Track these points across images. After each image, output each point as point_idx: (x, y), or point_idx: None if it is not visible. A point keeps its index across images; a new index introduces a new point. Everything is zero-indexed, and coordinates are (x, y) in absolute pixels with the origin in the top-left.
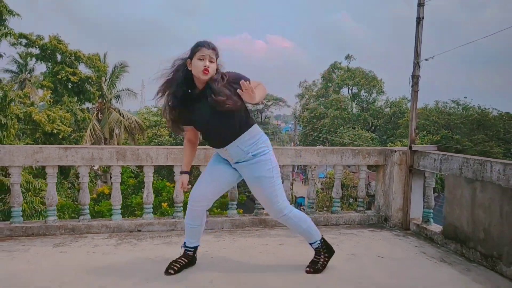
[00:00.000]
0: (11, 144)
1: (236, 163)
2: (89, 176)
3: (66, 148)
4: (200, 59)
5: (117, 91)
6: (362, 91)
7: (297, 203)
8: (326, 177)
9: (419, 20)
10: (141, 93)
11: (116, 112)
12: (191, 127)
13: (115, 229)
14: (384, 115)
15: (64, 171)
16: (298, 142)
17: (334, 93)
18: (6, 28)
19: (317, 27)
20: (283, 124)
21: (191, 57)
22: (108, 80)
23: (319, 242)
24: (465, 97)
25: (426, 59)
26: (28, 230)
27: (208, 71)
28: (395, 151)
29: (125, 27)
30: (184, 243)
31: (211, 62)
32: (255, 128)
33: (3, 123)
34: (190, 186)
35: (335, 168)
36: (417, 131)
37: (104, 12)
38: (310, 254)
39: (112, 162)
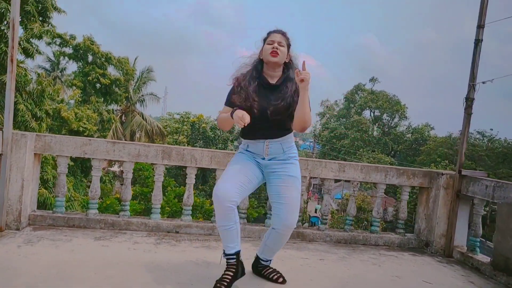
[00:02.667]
0: None
1: (269, 159)
2: (108, 176)
3: (114, 143)
4: (269, 44)
5: (141, 95)
6: (385, 115)
7: (311, 222)
8: (343, 198)
9: (478, 42)
10: (163, 99)
11: (140, 115)
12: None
13: (153, 228)
14: (405, 141)
15: (84, 169)
16: None
17: (356, 115)
18: (50, 26)
19: (342, 47)
20: (301, 142)
21: (262, 46)
22: (135, 84)
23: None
24: (491, 129)
25: (483, 82)
26: (69, 221)
27: (277, 54)
28: (442, 174)
29: (150, 34)
30: (224, 252)
31: (280, 46)
32: (293, 134)
33: (38, 116)
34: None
35: (378, 186)
36: (439, 159)
37: (133, 18)
38: (352, 271)
39: (157, 160)
